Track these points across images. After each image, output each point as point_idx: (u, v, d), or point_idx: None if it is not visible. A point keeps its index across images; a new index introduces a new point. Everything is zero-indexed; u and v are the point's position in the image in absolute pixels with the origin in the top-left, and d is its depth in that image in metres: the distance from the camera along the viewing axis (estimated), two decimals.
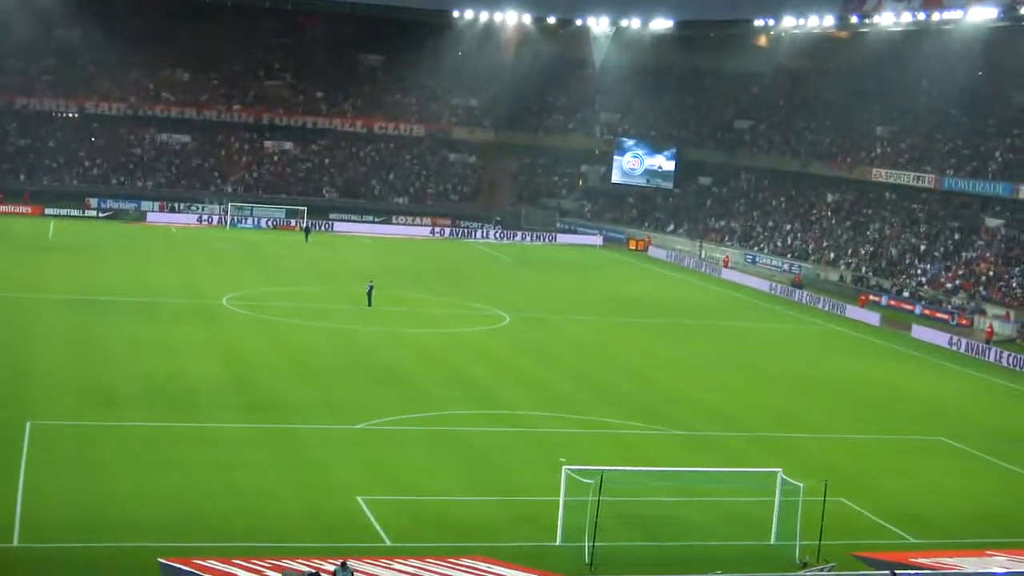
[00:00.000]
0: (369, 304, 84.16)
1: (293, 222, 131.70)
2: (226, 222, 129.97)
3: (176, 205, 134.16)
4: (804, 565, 40.80)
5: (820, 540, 41.55)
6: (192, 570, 36.18)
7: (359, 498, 44.28)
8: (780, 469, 43.83)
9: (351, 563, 35.62)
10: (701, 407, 63.18)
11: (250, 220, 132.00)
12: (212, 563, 37.22)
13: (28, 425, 49.33)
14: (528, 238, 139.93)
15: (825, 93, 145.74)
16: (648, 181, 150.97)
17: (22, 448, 46.55)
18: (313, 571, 35.41)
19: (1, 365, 59.74)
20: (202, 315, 76.87)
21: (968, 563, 42.51)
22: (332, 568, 35.58)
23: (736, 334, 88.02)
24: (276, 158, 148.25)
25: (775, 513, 43.14)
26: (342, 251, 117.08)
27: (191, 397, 56.57)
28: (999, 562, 43.01)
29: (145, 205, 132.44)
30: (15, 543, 38.03)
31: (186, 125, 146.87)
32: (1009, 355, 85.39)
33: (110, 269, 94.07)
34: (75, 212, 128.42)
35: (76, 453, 47.04)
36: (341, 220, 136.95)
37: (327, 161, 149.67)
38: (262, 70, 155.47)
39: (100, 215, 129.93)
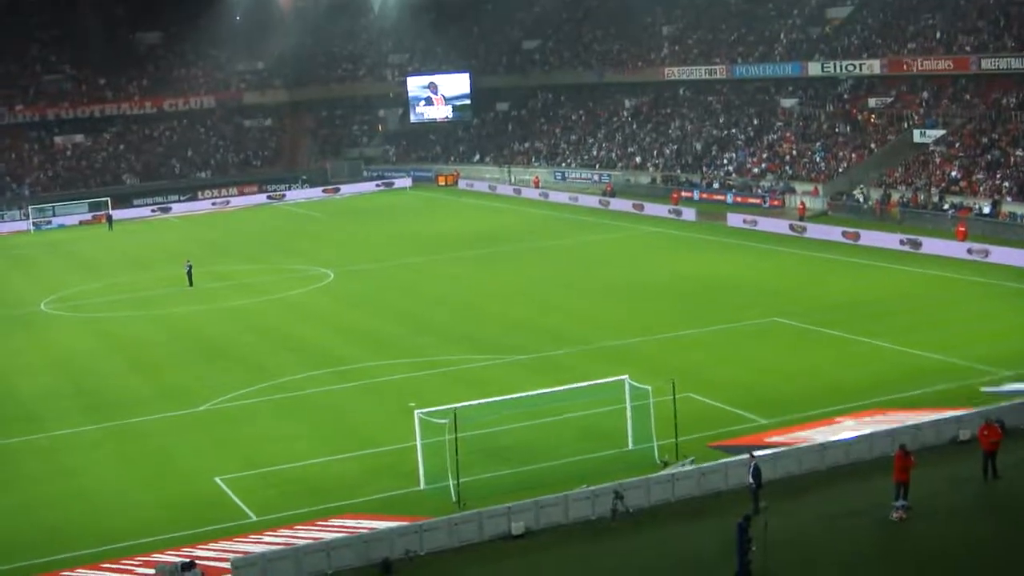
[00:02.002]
0: (190, 284, 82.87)
1: (97, 215, 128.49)
2: (29, 226, 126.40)
3: None
4: (665, 464, 41.50)
5: (676, 438, 42.30)
6: None
7: (217, 479, 43.87)
8: (626, 376, 44.46)
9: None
10: (538, 330, 63.63)
11: (54, 220, 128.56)
12: (80, 572, 36.63)
13: None
14: (338, 191, 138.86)
15: (607, 2, 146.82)
16: (446, 116, 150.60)
17: None
18: (188, 560, 35.07)
19: None
20: (22, 324, 74.80)
21: (819, 433, 43.78)
22: (203, 554, 35.32)
23: (559, 252, 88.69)
24: (69, 152, 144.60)
25: (628, 419, 43.80)
26: (153, 235, 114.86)
27: (26, 409, 55.18)
28: (848, 426, 44.43)
29: None
30: None
31: None
32: (822, 228, 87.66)
33: None
34: None
35: None
36: (147, 205, 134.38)
37: (122, 147, 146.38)
38: (38, 65, 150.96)
39: None
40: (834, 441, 42.22)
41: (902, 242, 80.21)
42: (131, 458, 47.41)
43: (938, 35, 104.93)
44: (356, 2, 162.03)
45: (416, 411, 42.41)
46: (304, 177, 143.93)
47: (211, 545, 37.88)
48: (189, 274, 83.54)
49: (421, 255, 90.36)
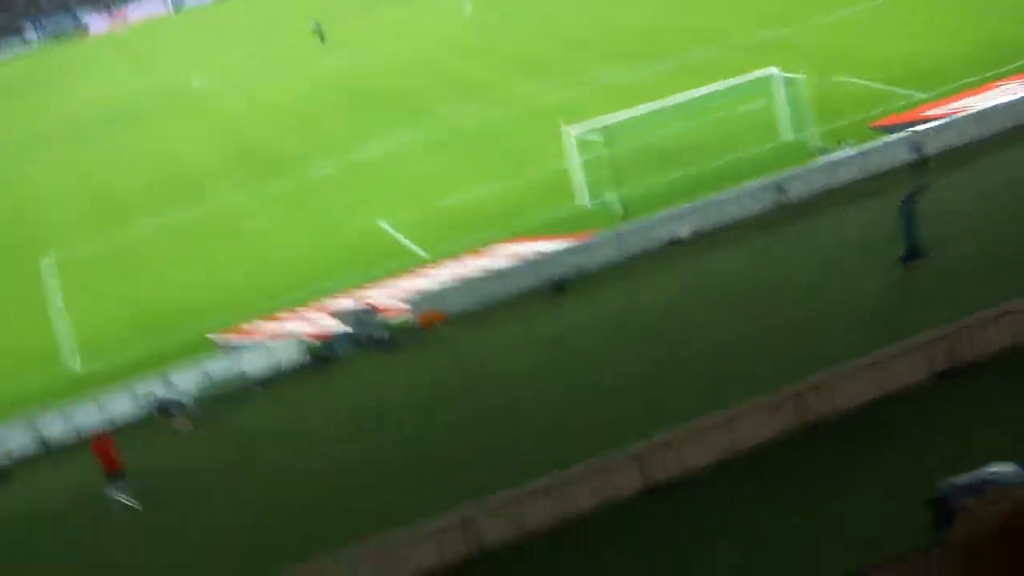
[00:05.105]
0: (323, 40, 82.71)
1: None
2: (169, 7, 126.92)
3: (111, 7, 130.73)
4: (824, 151, 40.92)
5: (833, 123, 41.65)
6: (243, 338, 36.72)
7: (382, 223, 44.37)
8: (774, 68, 43.54)
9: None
10: (675, 32, 62.41)
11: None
12: (258, 323, 37.77)
13: (52, 257, 49.56)
14: None
15: None
16: None
17: (54, 281, 46.88)
18: (366, 307, 35.71)
19: (6, 209, 59.75)
20: (178, 102, 75.86)
21: (977, 100, 42.53)
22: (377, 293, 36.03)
23: None
24: None
25: (782, 111, 43.09)
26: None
27: (195, 181, 56.49)
28: (1008, 89, 42.86)
29: (84, 18, 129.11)
30: (79, 369, 38.64)
31: None
32: None
33: (80, 89, 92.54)
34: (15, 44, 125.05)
35: (107, 269, 47.35)
36: None
37: None
38: None
39: (41, 39, 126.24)
40: (995, 106, 40.98)
41: None
42: (299, 212, 48.40)
43: None
44: None
45: (569, 129, 42.22)
46: None
47: (384, 284, 38.59)
48: (318, 31, 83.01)
49: None
